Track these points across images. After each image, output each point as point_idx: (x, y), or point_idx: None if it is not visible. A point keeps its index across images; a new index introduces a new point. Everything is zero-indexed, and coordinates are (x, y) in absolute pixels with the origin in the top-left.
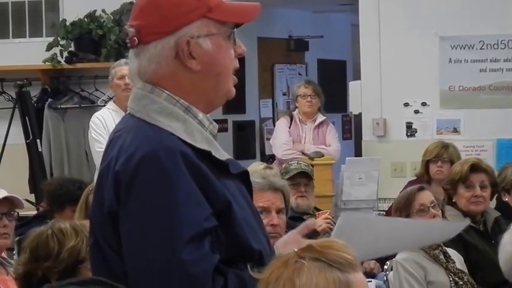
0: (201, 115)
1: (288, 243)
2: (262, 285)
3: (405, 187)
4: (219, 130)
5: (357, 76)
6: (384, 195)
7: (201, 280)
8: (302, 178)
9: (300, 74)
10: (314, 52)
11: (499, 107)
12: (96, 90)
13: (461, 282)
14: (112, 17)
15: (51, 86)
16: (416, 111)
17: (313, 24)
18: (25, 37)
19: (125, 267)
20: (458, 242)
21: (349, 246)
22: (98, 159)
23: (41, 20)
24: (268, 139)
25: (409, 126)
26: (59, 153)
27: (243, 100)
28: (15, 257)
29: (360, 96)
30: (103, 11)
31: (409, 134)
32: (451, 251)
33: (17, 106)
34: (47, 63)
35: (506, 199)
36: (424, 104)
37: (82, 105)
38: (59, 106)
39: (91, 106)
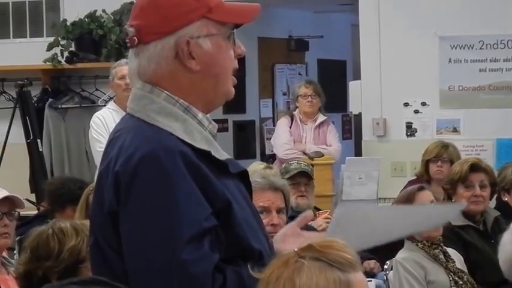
0: (200, 115)
1: (287, 236)
2: (262, 284)
3: (405, 187)
4: (219, 130)
5: (357, 76)
6: (384, 195)
7: (201, 280)
8: (302, 178)
9: (300, 74)
10: (314, 52)
11: (499, 106)
12: (97, 90)
13: (461, 282)
14: (112, 17)
15: (52, 86)
16: (416, 111)
17: (313, 24)
18: (26, 37)
19: (125, 267)
20: (458, 241)
21: (347, 237)
22: (98, 159)
23: (42, 20)
24: (269, 139)
25: (409, 126)
26: (60, 152)
27: (243, 100)
28: (15, 256)
29: (360, 96)
30: (103, 11)
31: (409, 133)
32: (450, 251)
33: (17, 106)
34: (47, 63)
35: (506, 199)
36: (424, 103)
37: (82, 105)
38: (59, 106)
39: (91, 106)
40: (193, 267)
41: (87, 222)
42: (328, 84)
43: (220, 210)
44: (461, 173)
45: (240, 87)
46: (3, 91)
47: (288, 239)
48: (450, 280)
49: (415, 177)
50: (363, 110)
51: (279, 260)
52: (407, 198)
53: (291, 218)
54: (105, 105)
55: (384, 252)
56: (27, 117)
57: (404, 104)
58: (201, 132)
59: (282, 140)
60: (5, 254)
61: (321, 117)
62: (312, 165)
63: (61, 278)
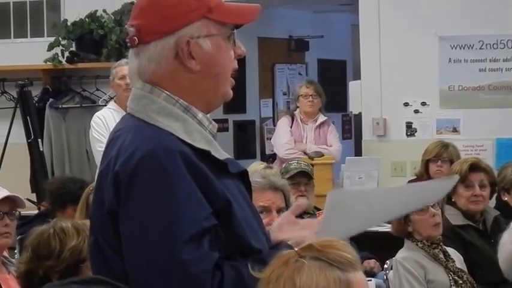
0: (200, 115)
1: (283, 225)
2: (262, 284)
3: None
4: (220, 130)
5: (357, 76)
6: None
7: (201, 279)
8: (302, 177)
9: (300, 74)
10: (314, 52)
11: (499, 106)
12: (97, 90)
13: (460, 281)
14: (113, 17)
15: (53, 86)
16: (416, 111)
17: (314, 24)
18: (26, 37)
19: (125, 267)
20: (458, 241)
21: (342, 221)
22: (99, 159)
23: (42, 20)
24: (269, 139)
25: (408, 125)
26: (60, 152)
27: (243, 100)
28: (16, 256)
29: (360, 96)
30: (104, 11)
31: (408, 133)
32: (450, 250)
33: (18, 106)
34: (48, 63)
35: (506, 198)
36: (423, 103)
37: (83, 105)
38: (60, 106)
39: (92, 106)
40: (193, 267)
41: (88, 222)
42: (328, 84)
43: (220, 210)
44: (461, 173)
45: (240, 87)
46: (4, 91)
47: (284, 228)
48: (450, 279)
49: (415, 177)
50: (363, 110)
51: (279, 259)
52: None
53: None
54: (105, 105)
55: (384, 251)
56: (28, 117)
57: (404, 104)
58: (201, 132)
59: (283, 139)
60: (5, 253)
61: (322, 118)
62: (312, 165)
63: (62, 277)
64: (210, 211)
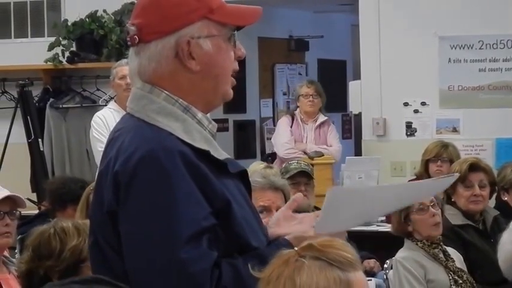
0: (200, 115)
1: (280, 220)
2: (262, 283)
3: None
4: (220, 130)
5: (357, 76)
6: None
7: (200, 279)
8: (302, 177)
9: (300, 74)
10: (314, 52)
11: (498, 106)
12: (98, 90)
13: (460, 281)
14: (113, 17)
15: (53, 86)
16: (416, 111)
17: (314, 24)
18: (27, 37)
19: (125, 266)
20: (458, 240)
21: (341, 215)
22: (99, 159)
23: (43, 20)
24: (269, 139)
25: (408, 125)
26: (61, 152)
27: (243, 100)
28: (17, 255)
29: (359, 96)
30: (104, 11)
31: (408, 133)
32: (450, 250)
33: (18, 106)
34: (48, 63)
35: (506, 198)
36: (423, 103)
37: (83, 105)
38: (60, 106)
39: (92, 106)
40: (192, 266)
41: (88, 222)
42: (328, 84)
43: (220, 209)
44: (460, 173)
45: (241, 87)
46: (4, 91)
47: (281, 223)
48: (450, 279)
49: (414, 177)
50: (363, 110)
51: (280, 259)
52: None
53: None
54: (106, 105)
55: (384, 251)
56: (28, 117)
57: (404, 103)
58: (200, 132)
59: (283, 139)
60: (6, 253)
61: (322, 118)
62: (312, 164)
63: (62, 277)
64: (209, 211)
